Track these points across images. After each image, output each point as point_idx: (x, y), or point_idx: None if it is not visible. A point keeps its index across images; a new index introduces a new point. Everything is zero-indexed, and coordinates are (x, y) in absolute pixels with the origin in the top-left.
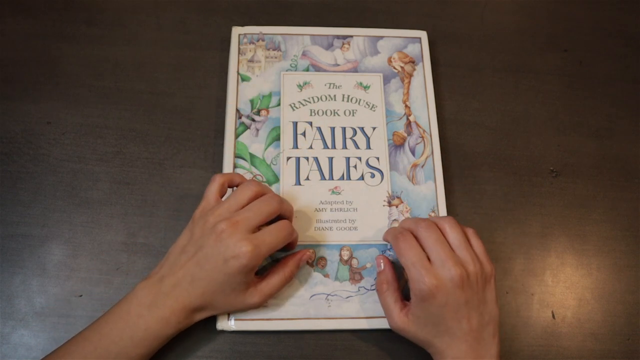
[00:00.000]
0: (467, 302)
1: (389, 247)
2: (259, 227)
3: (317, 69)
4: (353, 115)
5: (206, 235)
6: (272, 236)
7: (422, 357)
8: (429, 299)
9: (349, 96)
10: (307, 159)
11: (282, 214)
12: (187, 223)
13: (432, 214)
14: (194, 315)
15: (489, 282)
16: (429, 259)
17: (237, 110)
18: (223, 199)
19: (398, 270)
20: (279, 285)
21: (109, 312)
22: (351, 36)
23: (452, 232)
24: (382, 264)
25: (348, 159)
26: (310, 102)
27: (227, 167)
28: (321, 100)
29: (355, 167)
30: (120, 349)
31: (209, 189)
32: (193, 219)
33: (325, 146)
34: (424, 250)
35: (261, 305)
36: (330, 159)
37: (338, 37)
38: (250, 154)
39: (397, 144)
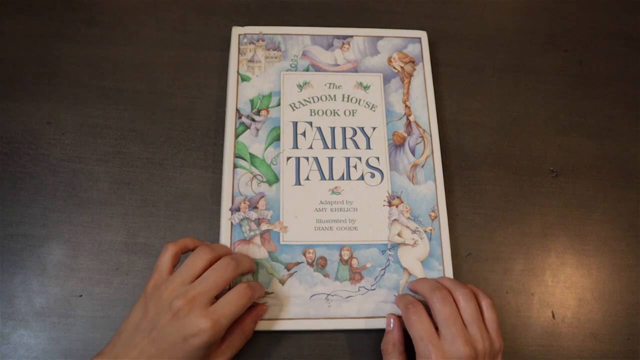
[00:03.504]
0: None
1: (389, 246)
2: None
3: (317, 69)
4: (353, 115)
5: (162, 313)
6: (232, 306)
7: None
8: None
9: (349, 96)
10: (307, 159)
11: (242, 273)
12: (187, 223)
13: (432, 214)
14: None
15: (497, 359)
16: (438, 331)
17: (237, 110)
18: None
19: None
20: (239, 345)
21: None
22: (351, 36)
23: (467, 307)
24: (392, 324)
25: (348, 159)
26: (310, 102)
27: (227, 167)
28: (321, 100)
29: (355, 167)
30: None
31: (161, 260)
32: (145, 293)
33: (325, 146)
34: (435, 321)
35: None
36: (330, 159)
37: (338, 37)
38: (250, 154)
39: (397, 144)
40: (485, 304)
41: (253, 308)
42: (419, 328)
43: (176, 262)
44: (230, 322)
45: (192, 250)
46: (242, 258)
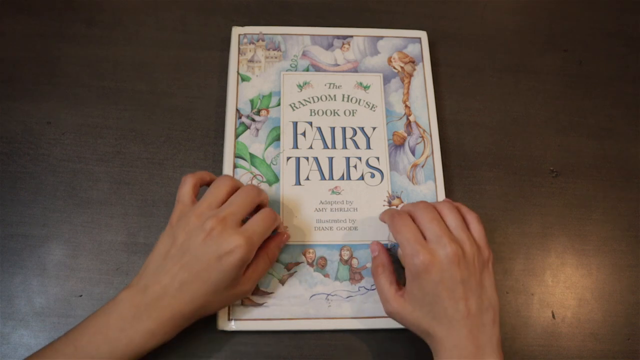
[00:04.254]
0: (464, 282)
1: (389, 247)
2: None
3: (317, 69)
4: (353, 115)
5: (193, 236)
6: (260, 226)
7: (422, 357)
8: (423, 274)
9: (349, 96)
10: (307, 159)
11: (260, 203)
12: None
13: None
14: (182, 324)
15: (487, 267)
16: (425, 238)
17: (237, 110)
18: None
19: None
20: (265, 270)
21: (85, 324)
22: (351, 36)
23: (450, 215)
24: (376, 250)
25: (348, 159)
26: (310, 102)
27: (227, 167)
28: (321, 100)
29: (355, 167)
30: None
31: (181, 191)
32: (171, 224)
33: (325, 146)
34: (420, 230)
35: (249, 292)
36: (330, 159)
37: (338, 37)
38: (250, 154)
39: (397, 144)
40: (471, 217)
41: (276, 235)
42: (405, 231)
43: (196, 193)
44: (260, 241)
45: (208, 184)
46: (261, 189)
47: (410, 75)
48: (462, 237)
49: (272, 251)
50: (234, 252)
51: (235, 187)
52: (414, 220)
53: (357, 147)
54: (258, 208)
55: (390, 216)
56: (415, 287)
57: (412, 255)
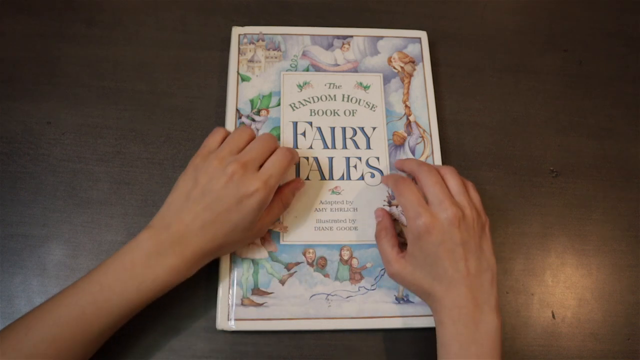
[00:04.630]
0: (464, 244)
1: None
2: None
3: (317, 69)
4: (353, 115)
5: (215, 179)
6: (277, 167)
7: (422, 357)
8: (425, 235)
9: (349, 96)
10: (307, 159)
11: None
12: None
13: None
14: (202, 260)
15: (485, 232)
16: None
17: (237, 110)
18: None
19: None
20: (279, 213)
21: (108, 264)
22: (351, 36)
23: (452, 180)
24: (381, 215)
25: (348, 159)
26: (310, 102)
27: None
28: (321, 100)
29: (355, 167)
30: (122, 300)
31: (210, 139)
32: (193, 165)
33: (325, 146)
34: (422, 192)
35: (264, 233)
36: (330, 159)
37: (338, 37)
38: None
39: (397, 144)
40: (469, 185)
41: (291, 181)
42: (408, 194)
43: (221, 143)
44: (277, 183)
45: None
46: (276, 141)
47: (410, 75)
48: (462, 201)
49: (286, 196)
50: (254, 195)
51: (253, 136)
52: (417, 182)
53: (357, 147)
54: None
55: (394, 180)
56: (416, 249)
57: (415, 217)
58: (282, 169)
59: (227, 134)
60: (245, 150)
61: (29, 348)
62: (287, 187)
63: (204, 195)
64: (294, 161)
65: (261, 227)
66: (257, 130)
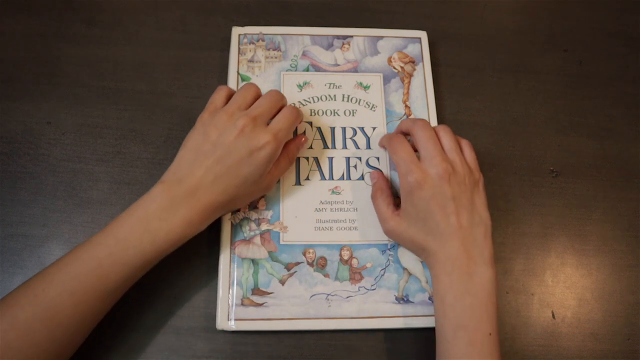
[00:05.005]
0: (454, 198)
1: (389, 246)
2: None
3: (317, 69)
4: (353, 115)
5: (226, 132)
6: (285, 122)
7: (422, 357)
8: (416, 191)
9: (349, 96)
10: (307, 159)
11: (282, 105)
12: None
13: None
14: (214, 213)
15: (478, 188)
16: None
17: None
18: None
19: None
20: (285, 168)
21: (122, 218)
22: (351, 36)
23: (445, 137)
24: (375, 176)
25: (348, 159)
26: (310, 102)
27: None
28: (321, 100)
29: (355, 167)
30: (138, 253)
31: (215, 96)
32: (202, 122)
33: (325, 146)
34: (416, 147)
35: (271, 189)
36: (330, 159)
37: (338, 37)
38: None
39: None
40: (464, 143)
41: (296, 137)
42: (401, 151)
43: (227, 101)
44: (286, 137)
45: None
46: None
47: (410, 75)
48: (454, 158)
49: (291, 151)
50: (264, 148)
51: (259, 93)
52: (412, 136)
53: (357, 147)
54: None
55: (388, 138)
56: (409, 204)
57: (406, 173)
58: (291, 124)
59: (231, 91)
60: (254, 106)
61: (47, 301)
62: (292, 143)
63: (215, 149)
64: (300, 117)
65: (269, 182)
66: None
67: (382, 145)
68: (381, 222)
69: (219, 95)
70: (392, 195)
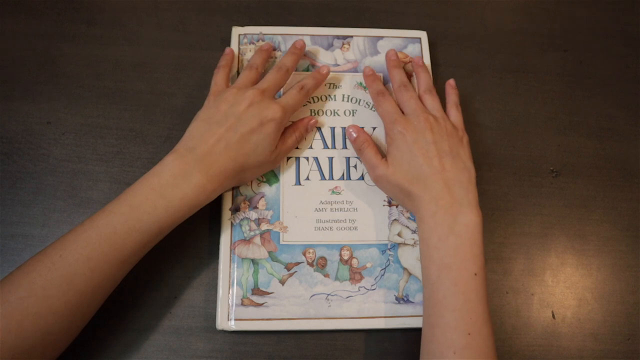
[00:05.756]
0: (436, 143)
1: (389, 246)
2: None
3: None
4: (353, 115)
5: (236, 103)
6: (293, 99)
7: None
8: (400, 137)
9: (349, 96)
10: (307, 159)
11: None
12: (187, 223)
13: None
14: (226, 182)
15: (462, 143)
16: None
17: None
18: None
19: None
20: (293, 145)
21: (136, 186)
22: (351, 36)
23: (429, 99)
24: (355, 131)
25: (348, 159)
26: (310, 102)
27: None
28: (321, 100)
29: (355, 167)
30: (153, 219)
31: (216, 78)
32: (209, 100)
33: (325, 146)
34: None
35: (279, 163)
36: (330, 159)
37: (338, 37)
38: None
39: None
40: (451, 105)
41: (305, 117)
42: (386, 105)
43: (229, 82)
44: (293, 112)
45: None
46: (288, 61)
47: (411, 76)
48: (436, 113)
49: (299, 130)
50: (274, 118)
51: (262, 72)
52: (395, 93)
53: None
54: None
55: (375, 92)
56: (394, 149)
57: (391, 122)
58: (297, 102)
59: (228, 70)
60: (262, 80)
61: (65, 268)
62: (301, 122)
63: (227, 118)
64: (309, 94)
65: (277, 156)
66: None
67: (368, 88)
68: (370, 169)
69: (219, 76)
70: (376, 144)
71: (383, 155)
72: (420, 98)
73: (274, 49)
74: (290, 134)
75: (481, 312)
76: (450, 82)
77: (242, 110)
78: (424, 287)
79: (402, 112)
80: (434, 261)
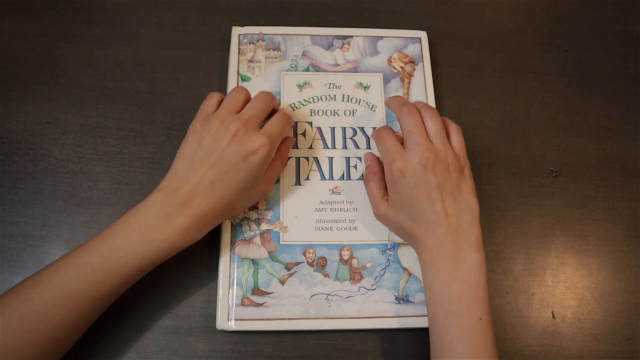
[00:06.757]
0: (439, 186)
1: (389, 246)
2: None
3: (317, 69)
4: (353, 115)
5: (219, 138)
6: (278, 126)
7: (422, 357)
8: (400, 179)
9: (349, 96)
10: (307, 159)
11: (274, 107)
12: None
13: None
14: (211, 222)
15: (464, 175)
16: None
17: None
18: None
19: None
20: (280, 170)
21: (118, 225)
22: (351, 36)
23: (432, 123)
24: (369, 159)
25: (348, 159)
26: (310, 102)
27: None
28: (321, 100)
29: (355, 167)
30: (132, 260)
31: (206, 103)
32: (193, 129)
33: (325, 146)
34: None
35: (268, 193)
36: (330, 159)
37: (338, 37)
38: None
39: None
40: (453, 128)
41: (285, 139)
42: (386, 140)
43: (218, 108)
44: (279, 140)
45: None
46: (272, 94)
47: (410, 76)
48: (438, 145)
49: (283, 153)
50: (259, 150)
51: (249, 96)
52: (397, 117)
53: (357, 147)
54: (272, 113)
55: (376, 132)
56: (394, 193)
57: (390, 162)
58: (283, 127)
59: (222, 97)
60: (245, 109)
61: (40, 304)
62: (283, 145)
63: (209, 155)
64: (292, 122)
65: (266, 186)
66: None
67: (372, 136)
68: (372, 206)
69: (210, 102)
70: (384, 179)
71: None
72: (422, 116)
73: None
74: (277, 159)
75: (489, 356)
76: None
77: (225, 144)
78: (430, 332)
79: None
80: (438, 307)
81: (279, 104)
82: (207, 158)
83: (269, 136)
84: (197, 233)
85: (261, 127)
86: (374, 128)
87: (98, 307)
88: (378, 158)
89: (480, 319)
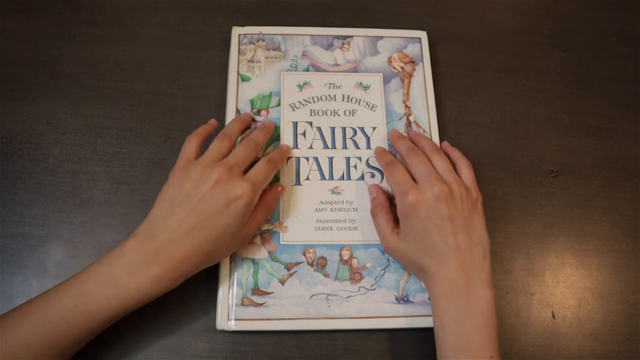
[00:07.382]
0: (451, 218)
1: None
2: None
3: (317, 69)
4: (353, 115)
5: (201, 183)
6: (262, 173)
7: (422, 357)
8: (413, 212)
9: (349, 96)
10: (307, 159)
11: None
12: None
13: None
14: (189, 271)
15: (476, 207)
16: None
17: (237, 110)
18: None
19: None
20: (262, 218)
21: (90, 270)
22: (351, 36)
23: (438, 160)
24: (374, 191)
25: (348, 159)
26: (310, 102)
27: None
28: (321, 100)
29: (355, 167)
30: (103, 308)
31: (186, 148)
32: (174, 175)
33: (325, 146)
34: (411, 173)
35: (248, 241)
36: (331, 159)
37: (338, 37)
38: None
39: None
40: (462, 163)
41: (272, 187)
42: (397, 175)
43: (199, 152)
44: (262, 187)
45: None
46: (258, 136)
47: (410, 76)
48: (449, 179)
49: (269, 202)
50: (242, 197)
51: (234, 143)
52: (404, 160)
53: (357, 147)
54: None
55: (385, 162)
56: (406, 225)
57: (402, 194)
58: (267, 175)
59: (201, 140)
60: (230, 156)
61: (7, 349)
62: (269, 193)
63: (190, 200)
64: (277, 167)
65: (247, 234)
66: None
67: (378, 161)
68: (381, 239)
69: (189, 146)
70: (391, 210)
71: (396, 219)
72: (428, 157)
73: (253, 120)
74: (260, 207)
75: None
76: (445, 144)
77: (206, 190)
78: None
79: (414, 180)
80: (449, 344)
81: (271, 133)
82: (188, 202)
83: (252, 183)
84: (173, 282)
85: (245, 172)
86: (374, 128)
87: (66, 353)
88: (382, 189)
89: (491, 357)
